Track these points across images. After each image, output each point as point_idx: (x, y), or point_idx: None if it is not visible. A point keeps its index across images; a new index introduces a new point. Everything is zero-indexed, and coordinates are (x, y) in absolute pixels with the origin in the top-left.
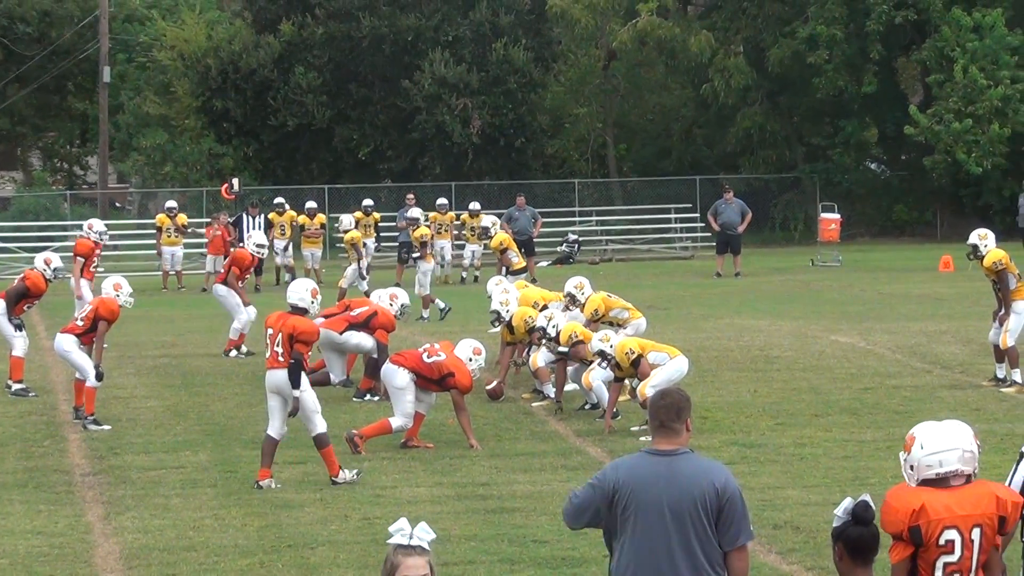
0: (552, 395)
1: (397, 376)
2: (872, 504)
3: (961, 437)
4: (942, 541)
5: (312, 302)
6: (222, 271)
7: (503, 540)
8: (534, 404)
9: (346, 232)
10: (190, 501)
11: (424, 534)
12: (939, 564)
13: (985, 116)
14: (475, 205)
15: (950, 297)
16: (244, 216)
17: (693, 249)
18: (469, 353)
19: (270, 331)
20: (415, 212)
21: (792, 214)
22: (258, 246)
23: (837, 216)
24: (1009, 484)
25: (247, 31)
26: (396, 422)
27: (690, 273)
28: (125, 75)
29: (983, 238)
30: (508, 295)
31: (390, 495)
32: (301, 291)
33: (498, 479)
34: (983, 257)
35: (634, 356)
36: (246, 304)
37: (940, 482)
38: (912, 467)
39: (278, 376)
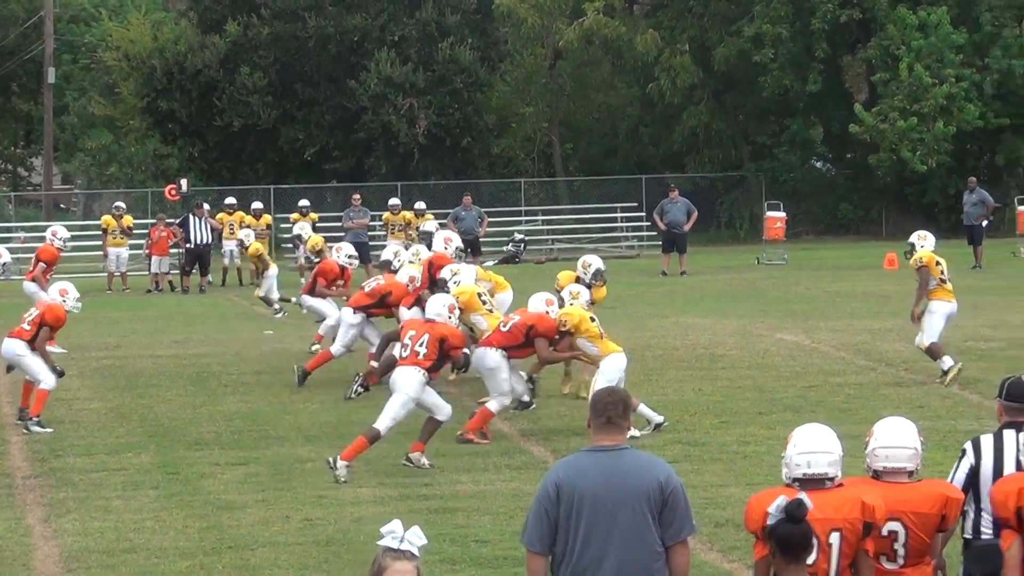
0: None
1: (488, 357)
2: (807, 502)
3: (832, 442)
4: None
5: (449, 317)
6: (307, 281)
7: (445, 540)
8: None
9: (249, 246)
10: (131, 503)
11: (415, 539)
12: None
13: (930, 114)
14: (420, 205)
15: (895, 295)
16: (190, 217)
17: (639, 248)
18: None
19: (412, 332)
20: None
21: (738, 213)
22: (349, 257)
23: (783, 214)
24: (951, 480)
25: (192, 31)
26: (494, 405)
27: (636, 272)
28: (70, 76)
29: (922, 238)
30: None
31: (332, 496)
32: (439, 307)
33: (441, 479)
34: None
35: (565, 328)
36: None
37: (811, 483)
38: (786, 465)
39: (409, 373)
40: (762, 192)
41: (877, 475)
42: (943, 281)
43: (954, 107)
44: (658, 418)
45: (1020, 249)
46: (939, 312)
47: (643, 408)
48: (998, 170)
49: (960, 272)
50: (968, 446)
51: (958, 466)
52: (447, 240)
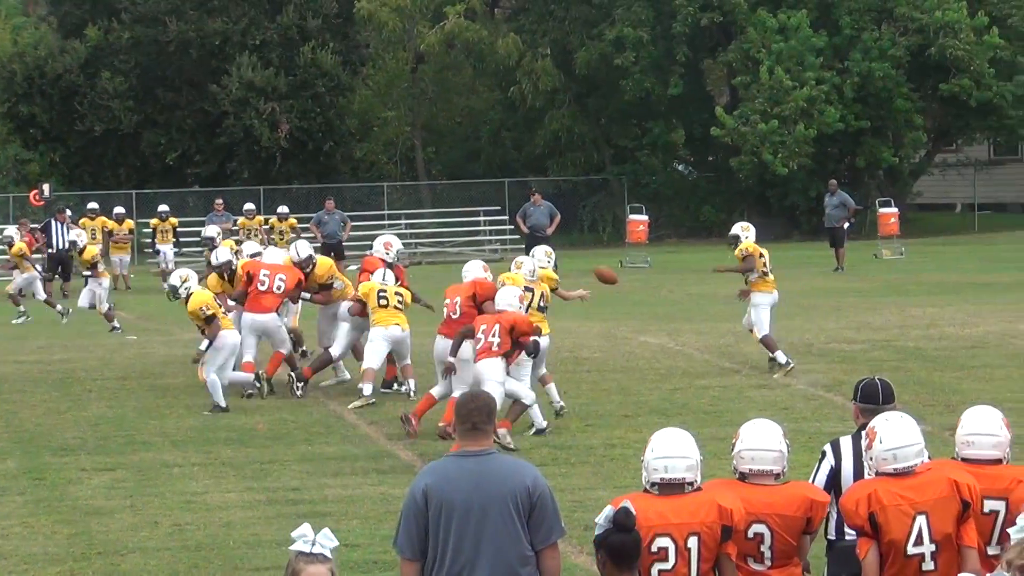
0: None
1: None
2: (633, 511)
3: (689, 447)
4: (654, 548)
5: (519, 307)
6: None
7: None
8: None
9: (11, 246)
10: None
11: (327, 541)
12: (654, 571)
13: (791, 117)
14: (284, 209)
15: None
16: (52, 222)
17: (502, 251)
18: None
19: (484, 326)
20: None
21: (601, 216)
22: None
23: (645, 218)
24: (812, 482)
25: (53, 36)
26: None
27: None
28: None
29: (745, 229)
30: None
31: (200, 501)
32: (510, 297)
33: (309, 483)
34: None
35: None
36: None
37: (669, 487)
38: (645, 469)
39: (491, 364)
40: (624, 195)
41: (743, 477)
42: (765, 273)
43: (814, 110)
44: (542, 423)
45: (881, 251)
46: (763, 304)
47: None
48: (859, 172)
49: (822, 274)
50: (827, 448)
51: (818, 468)
52: (387, 245)
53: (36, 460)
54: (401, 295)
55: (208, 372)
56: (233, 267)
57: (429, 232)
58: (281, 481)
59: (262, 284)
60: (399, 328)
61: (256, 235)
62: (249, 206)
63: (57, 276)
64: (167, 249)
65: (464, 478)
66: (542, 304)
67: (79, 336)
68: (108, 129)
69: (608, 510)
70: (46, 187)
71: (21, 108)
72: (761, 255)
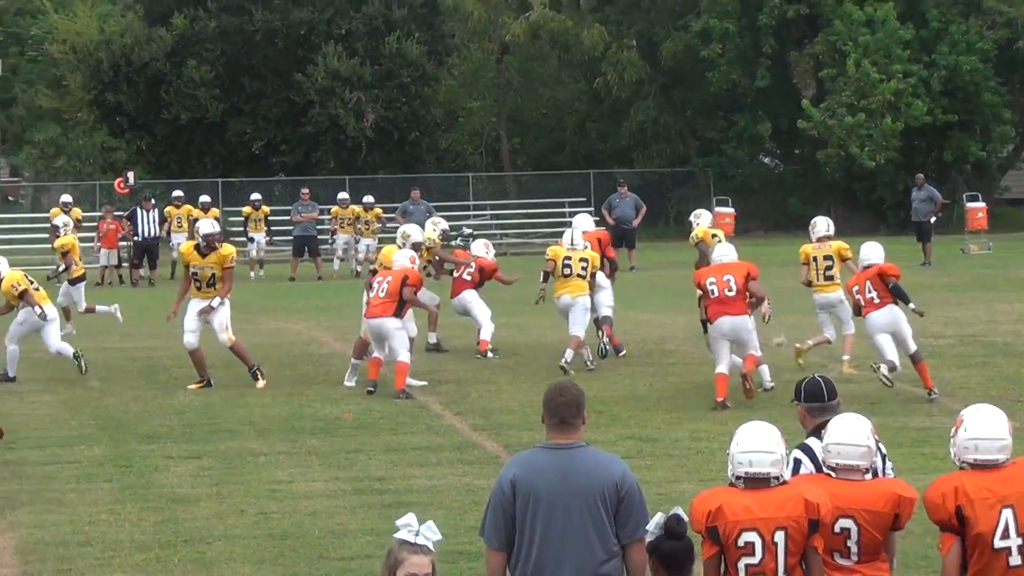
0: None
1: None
2: (684, 518)
3: (775, 441)
4: (741, 543)
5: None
6: (467, 278)
7: None
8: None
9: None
10: (85, 496)
11: (430, 533)
12: (741, 565)
13: (878, 110)
14: (369, 199)
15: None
16: (138, 210)
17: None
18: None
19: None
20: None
21: (686, 208)
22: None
23: (731, 210)
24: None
25: (139, 24)
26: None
27: None
28: (17, 68)
29: (697, 216)
30: None
31: (286, 490)
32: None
33: (395, 473)
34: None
35: None
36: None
37: (754, 482)
38: (730, 463)
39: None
40: (710, 187)
41: (833, 471)
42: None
43: (901, 103)
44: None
45: (969, 246)
46: None
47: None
48: (946, 167)
49: (909, 269)
50: (800, 455)
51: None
52: (435, 224)
53: (123, 447)
54: (586, 262)
55: (10, 342)
56: (218, 240)
57: (514, 223)
58: (366, 470)
59: (371, 289)
60: (568, 296)
61: (348, 224)
62: (343, 195)
63: (144, 264)
64: (260, 237)
65: (552, 470)
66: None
67: (165, 324)
68: (194, 118)
69: (659, 516)
70: (131, 175)
71: (108, 96)
72: (714, 235)
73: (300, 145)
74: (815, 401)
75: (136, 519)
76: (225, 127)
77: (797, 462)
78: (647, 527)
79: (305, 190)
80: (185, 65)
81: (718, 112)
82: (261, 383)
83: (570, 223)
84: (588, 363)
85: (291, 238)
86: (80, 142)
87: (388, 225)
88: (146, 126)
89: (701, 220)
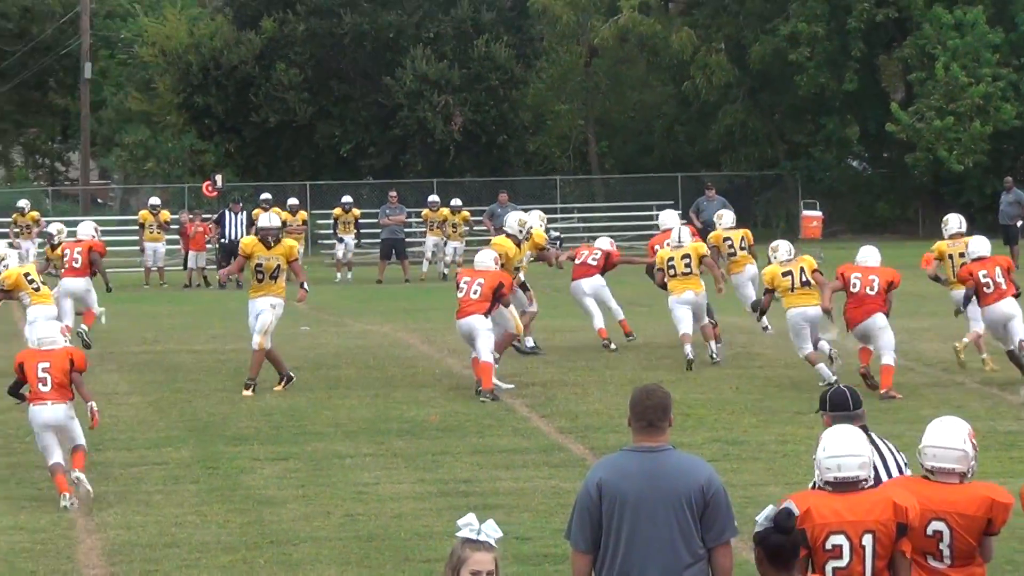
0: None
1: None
2: (796, 512)
3: (861, 445)
4: (828, 546)
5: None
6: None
7: None
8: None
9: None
10: (172, 497)
11: (492, 531)
12: (828, 568)
13: (966, 114)
14: (456, 202)
15: (932, 294)
16: (227, 213)
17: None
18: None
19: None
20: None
21: (774, 211)
22: None
23: (819, 213)
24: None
25: (228, 27)
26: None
27: None
28: (107, 71)
29: (719, 217)
30: None
31: (372, 491)
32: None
33: (480, 476)
34: None
35: None
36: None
37: (843, 486)
38: (817, 468)
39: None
40: (798, 191)
41: (929, 474)
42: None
43: (991, 107)
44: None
45: None
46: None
47: None
48: None
49: None
50: None
51: None
52: (520, 221)
53: (210, 449)
54: (689, 259)
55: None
56: (279, 233)
57: (602, 226)
58: (452, 473)
59: (460, 290)
60: (691, 292)
61: (437, 227)
62: (433, 198)
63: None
64: (349, 239)
65: (639, 474)
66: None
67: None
68: (282, 120)
69: (770, 509)
70: (219, 178)
71: (197, 99)
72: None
73: (388, 148)
74: (841, 410)
75: (222, 521)
76: (313, 130)
77: None
78: (756, 518)
79: (393, 193)
80: (274, 68)
81: (806, 115)
82: (248, 392)
83: (657, 227)
84: (713, 356)
85: (378, 241)
86: (169, 145)
87: (476, 228)
88: (235, 129)
89: (723, 220)
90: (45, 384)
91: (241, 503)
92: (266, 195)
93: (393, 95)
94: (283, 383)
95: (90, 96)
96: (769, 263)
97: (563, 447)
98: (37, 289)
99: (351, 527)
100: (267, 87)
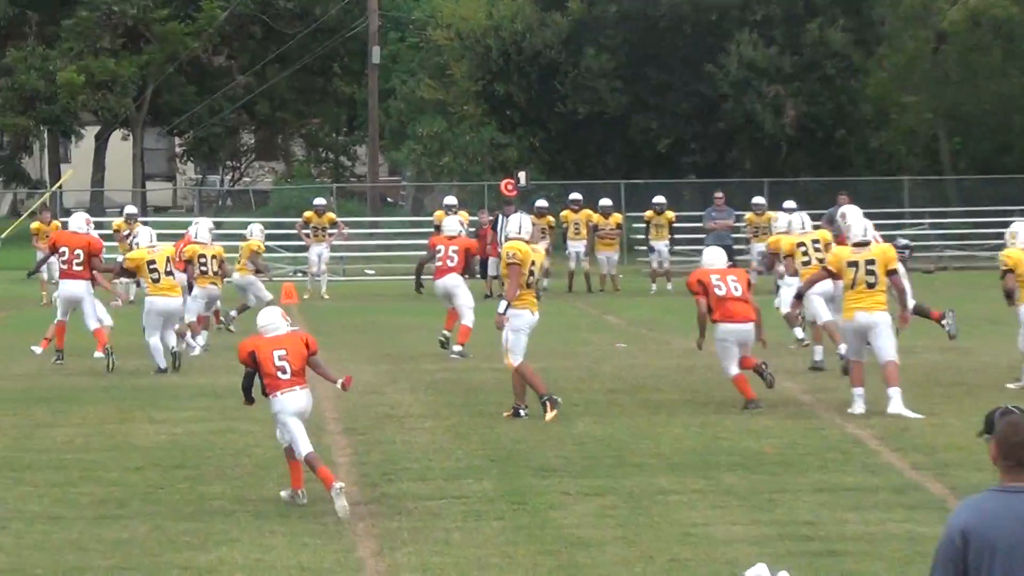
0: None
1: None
2: None
3: None
4: None
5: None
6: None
7: None
8: None
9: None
10: (473, 536)
11: None
12: None
13: None
14: (790, 203)
15: None
16: (500, 217)
17: None
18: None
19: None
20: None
21: None
22: None
23: None
24: None
25: (531, 8)
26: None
27: None
28: (397, 56)
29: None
30: None
31: (701, 533)
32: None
33: (825, 517)
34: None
35: None
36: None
37: None
38: None
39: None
40: None
41: None
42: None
43: None
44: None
45: None
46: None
47: None
48: None
49: None
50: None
51: None
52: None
53: (516, 482)
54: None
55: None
56: None
57: (956, 233)
58: (792, 514)
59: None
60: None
61: (763, 232)
62: (758, 200)
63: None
64: (662, 246)
65: (1011, 520)
66: None
67: (561, 343)
68: (592, 112)
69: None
70: (523, 175)
71: (497, 87)
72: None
73: (712, 144)
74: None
75: (531, 564)
76: (627, 123)
77: None
78: None
79: (719, 194)
80: (582, 54)
81: None
82: (549, 416)
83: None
84: None
85: (701, 248)
86: (466, 138)
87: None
88: (539, 121)
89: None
90: (284, 372)
91: (551, 544)
92: (450, 199)
93: (716, 84)
94: (512, 411)
95: (378, 83)
96: None
97: (919, 486)
98: (157, 280)
99: (677, 573)
100: (575, 74)
